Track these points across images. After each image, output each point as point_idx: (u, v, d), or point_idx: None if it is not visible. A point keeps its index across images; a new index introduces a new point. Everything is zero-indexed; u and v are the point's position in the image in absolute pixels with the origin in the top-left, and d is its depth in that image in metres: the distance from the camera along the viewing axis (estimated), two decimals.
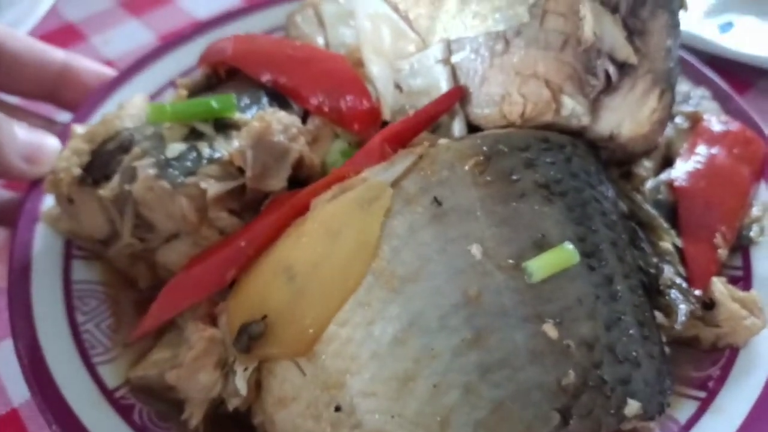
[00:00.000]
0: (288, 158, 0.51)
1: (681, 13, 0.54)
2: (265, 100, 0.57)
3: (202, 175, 0.49)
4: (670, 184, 0.59)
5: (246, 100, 0.56)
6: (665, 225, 0.54)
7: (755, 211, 0.61)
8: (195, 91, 0.60)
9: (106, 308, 0.60)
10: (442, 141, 0.46)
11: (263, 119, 0.50)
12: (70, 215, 0.57)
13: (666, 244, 0.52)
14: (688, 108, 0.67)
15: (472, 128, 0.51)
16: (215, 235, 0.51)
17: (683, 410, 0.52)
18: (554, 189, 0.45)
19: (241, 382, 0.44)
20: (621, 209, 0.52)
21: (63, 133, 0.63)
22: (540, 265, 0.42)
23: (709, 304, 0.54)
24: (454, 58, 0.50)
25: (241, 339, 0.43)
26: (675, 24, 0.53)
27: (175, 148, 0.50)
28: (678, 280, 0.50)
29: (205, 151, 0.51)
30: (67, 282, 0.60)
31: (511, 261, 0.42)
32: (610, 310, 0.43)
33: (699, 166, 0.61)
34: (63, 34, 0.95)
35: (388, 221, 0.43)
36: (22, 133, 0.55)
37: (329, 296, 0.43)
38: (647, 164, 0.62)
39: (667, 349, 0.49)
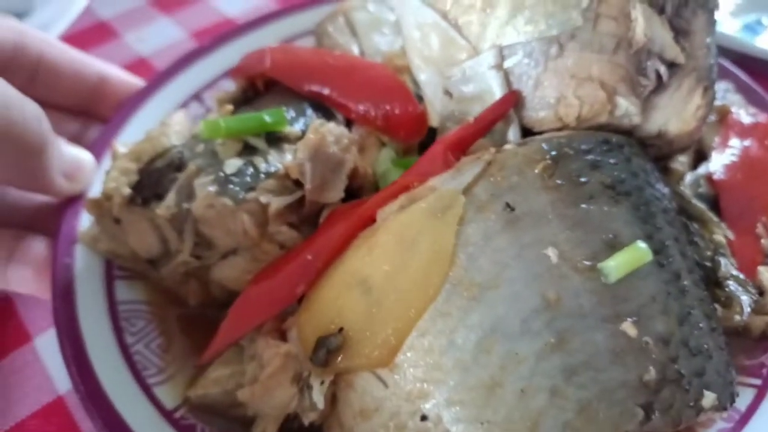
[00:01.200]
0: (344, 169, 0.51)
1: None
2: (310, 111, 0.57)
3: (261, 190, 0.49)
4: (709, 178, 0.60)
5: (292, 113, 0.56)
6: (715, 218, 0.55)
7: None
8: (240, 103, 0.60)
9: (153, 328, 0.59)
10: (508, 146, 0.47)
11: (318, 131, 0.50)
12: (113, 236, 0.56)
13: (719, 237, 0.54)
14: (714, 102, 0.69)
15: (526, 132, 0.52)
16: (275, 249, 0.50)
17: (742, 398, 0.53)
18: (619, 189, 0.46)
19: (318, 396, 0.44)
20: (675, 205, 0.53)
21: (93, 147, 0.62)
22: (615, 265, 0.42)
23: (758, 293, 0.55)
24: (507, 64, 0.50)
25: (319, 353, 0.43)
26: (713, 22, 0.54)
27: (233, 164, 0.50)
28: (735, 272, 0.51)
29: (262, 165, 0.50)
30: (112, 304, 0.59)
31: (586, 263, 0.43)
32: (681, 305, 0.44)
33: (734, 158, 0.62)
34: (97, 32, 0.97)
35: (462, 229, 0.43)
36: (66, 149, 0.55)
37: (408, 306, 0.43)
38: (682, 159, 0.63)
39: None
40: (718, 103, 0.68)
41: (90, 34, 0.95)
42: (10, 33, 0.54)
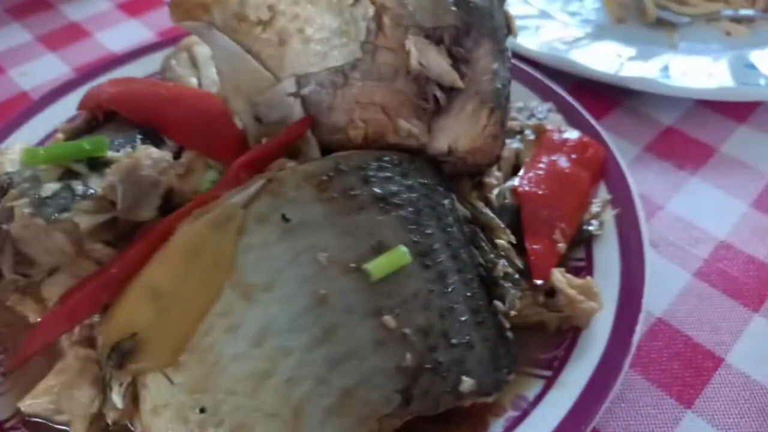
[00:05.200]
0: (158, 190, 0.56)
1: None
2: (138, 138, 0.62)
3: (76, 210, 0.54)
4: (514, 190, 0.67)
5: (120, 140, 0.61)
6: (501, 225, 0.61)
7: (595, 208, 0.70)
8: (75, 135, 0.64)
9: None
10: (290, 164, 0.52)
11: (131, 156, 0.55)
12: None
13: (502, 242, 0.59)
14: (534, 121, 0.76)
15: (328, 153, 0.57)
16: (93, 266, 0.55)
17: (532, 389, 0.58)
18: (390, 200, 0.52)
19: (117, 397, 0.48)
20: (463, 214, 0.59)
21: None
22: (377, 266, 0.48)
23: (550, 292, 0.61)
24: (303, 92, 0.56)
25: (112, 356, 0.47)
26: (501, 49, 0.60)
27: (49, 188, 0.54)
28: (510, 271, 0.57)
29: (79, 188, 0.55)
30: None
31: (353, 265, 0.48)
32: (444, 301, 0.50)
33: (540, 172, 0.69)
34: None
35: (243, 239, 0.48)
36: None
37: (191, 310, 0.47)
38: (497, 174, 0.70)
39: (510, 334, 0.56)
40: (535, 122, 0.76)
41: None
42: None
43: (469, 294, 0.52)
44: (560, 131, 0.73)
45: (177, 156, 0.62)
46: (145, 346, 0.48)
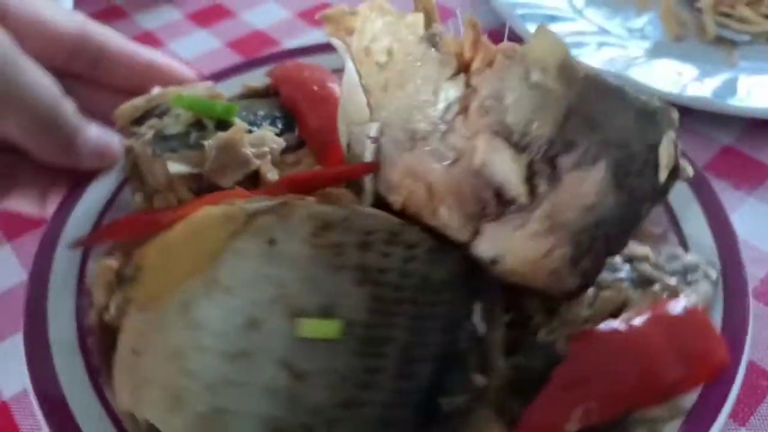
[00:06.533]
0: (244, 168, 0.64)
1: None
2: (274, 119, 0.69)
3: (178, 155, 0.64)
4: (571, 336, 0.58)
5: (261, 113, 0.69)
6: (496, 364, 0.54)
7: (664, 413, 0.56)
8: (249, 95, 0.75)
9: None
10: (310, 199, 0.54)
11: (237, 131, 0.63)
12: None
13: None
14: (674, 280, 0.63)
15: (379, 204, 0.58)
16: (175, 201, 0.65)
17: None
18: (372, 275, 0.51)
19: (113, 307, 0.58)
20: (470, 328, 0.54)
21: None
22: (307, 326, 0.49)
23: None
24: (382, 140, 0.57)
25: (118, 275, 0.58)
26: (621, 184, 0.52)
27: (173, 128, 0.66)
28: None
29: (193, 137, 0.65)
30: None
31: (293, 312, 0.50)
32: (353, 393, 0.48)
33: (621, 337, 0.58)
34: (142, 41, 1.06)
35: (233, 242, 0.53)
36: (95, 130, 0.69)
37: (176, 275, 0.54)
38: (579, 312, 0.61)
39: None
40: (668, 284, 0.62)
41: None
42: (75, 24, 0.70)
43: (390, 403, 0.49)
44: (685, 309, 0.59)
45: (296, 148, 0.69)
46: (140, 281, 0.56)
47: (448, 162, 0.52)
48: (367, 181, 0.57)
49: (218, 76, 0.80)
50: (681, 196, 0.70)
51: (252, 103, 0.72)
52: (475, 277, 0.55)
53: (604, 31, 1.06)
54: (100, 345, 0.61)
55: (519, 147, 0.51)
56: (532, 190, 0.51)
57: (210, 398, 0.49)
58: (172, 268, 0.55)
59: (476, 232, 0.54)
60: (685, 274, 0.65)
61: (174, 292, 0.54)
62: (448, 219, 0.53)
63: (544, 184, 0.52)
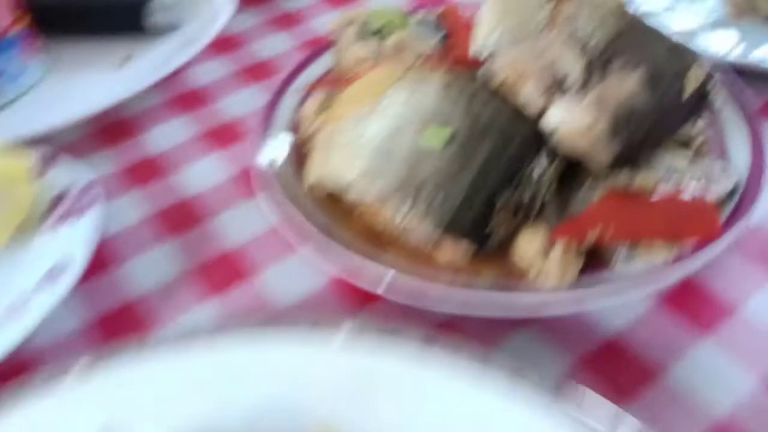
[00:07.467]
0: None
1: None
2: (434, 33, 1.02)
3: (367, 43, 0.98)
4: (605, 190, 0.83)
5: (426, 29, 1.02)
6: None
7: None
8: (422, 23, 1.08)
9: None
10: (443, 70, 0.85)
11: (401, 41, 0.96)
12: None
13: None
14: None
15: None
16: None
17: None
18: (474, 110, 0.80)
19: (317, 122, 0.93)
20: (537, 159, 0.81)
21: None
22: (429, 131, 0.79)
23: None
24: (501, 39, 0.87)
25: (323, 104, 0.93)
26: (651, 86, 0.78)
27: (367, 30, 1.00)
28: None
29: (378, 36, 0.99)
30: None
31: (423, 125, 0.81)
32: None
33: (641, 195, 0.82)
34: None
35: (392, 88, 0.85)
36: None
37: (354, 105, 0.88)
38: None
39: None
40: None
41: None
42: None
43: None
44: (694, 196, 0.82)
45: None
46: (332, 108, 0.91)
47: (538, 54, 0.81)
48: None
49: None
50: (733, 125, 0.92)
51: (424, 22, 1.05)
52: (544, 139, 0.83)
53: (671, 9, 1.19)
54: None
55: (583, 51, 0.79)
56: (587, 81, 0.79)
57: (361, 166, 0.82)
58: (353, 101, 0.89)
59: (546, 105, 0.82)
60: (711, 178, 0.88)
61: (351, 114, 0.88)
62: (530, 93, 0.81)
63: (596, 77, 0.79)
